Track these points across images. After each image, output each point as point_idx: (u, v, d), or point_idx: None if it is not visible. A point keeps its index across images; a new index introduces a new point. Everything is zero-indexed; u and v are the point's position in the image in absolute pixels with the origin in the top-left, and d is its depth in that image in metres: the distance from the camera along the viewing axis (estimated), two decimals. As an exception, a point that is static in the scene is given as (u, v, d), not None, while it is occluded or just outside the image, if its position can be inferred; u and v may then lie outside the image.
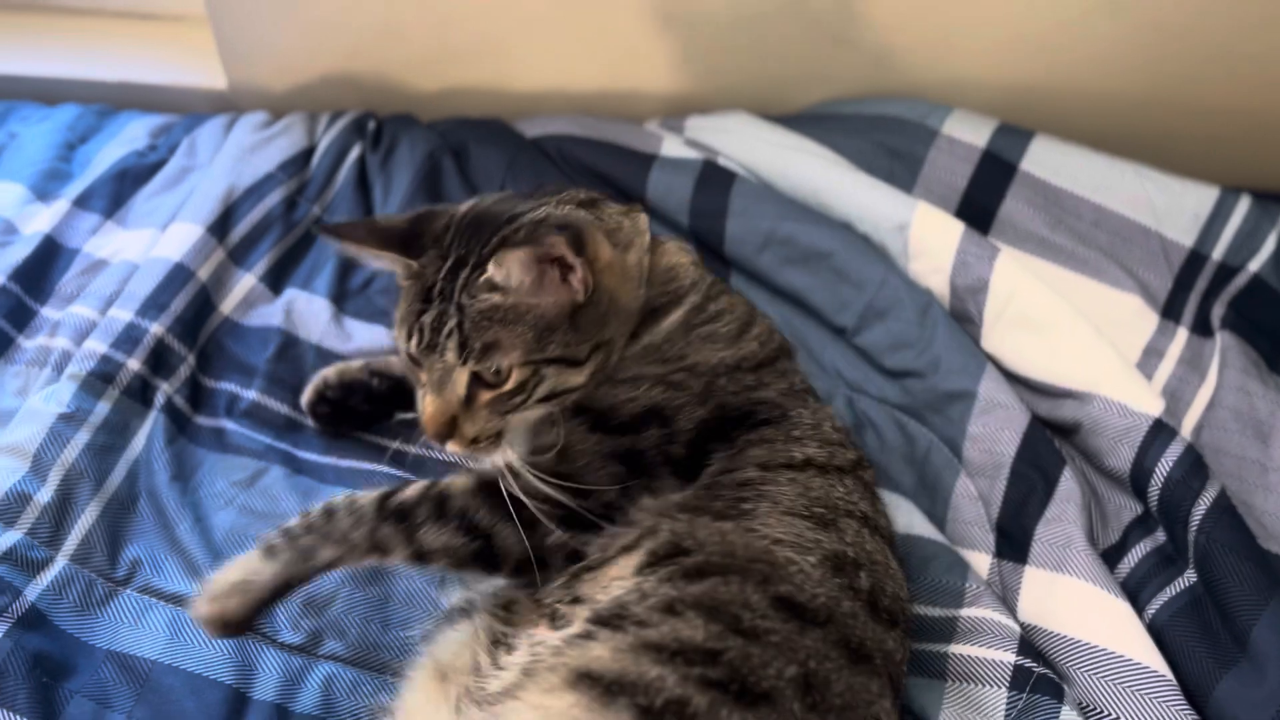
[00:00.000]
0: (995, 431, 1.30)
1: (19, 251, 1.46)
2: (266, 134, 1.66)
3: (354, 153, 1.66)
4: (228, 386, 1.40)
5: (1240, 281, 1.47)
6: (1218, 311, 1.45)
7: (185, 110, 1.79)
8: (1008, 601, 1.20)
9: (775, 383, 1.17)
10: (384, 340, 1.45)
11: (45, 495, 1.21)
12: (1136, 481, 1.24)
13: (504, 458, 1.09)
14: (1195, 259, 1.50)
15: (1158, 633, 1.14)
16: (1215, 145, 1.68)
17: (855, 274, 1.45)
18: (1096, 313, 1.42)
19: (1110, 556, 1.23)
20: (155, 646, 1.14)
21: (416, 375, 1.11)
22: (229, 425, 1.36)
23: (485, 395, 1.07)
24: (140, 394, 1.34)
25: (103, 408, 1.30)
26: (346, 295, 1.50)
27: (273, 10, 1.70)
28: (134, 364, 1.33)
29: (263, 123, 1.70)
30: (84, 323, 1.39)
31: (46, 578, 1.17)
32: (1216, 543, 1.15)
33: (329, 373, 1.37)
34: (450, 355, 1.05)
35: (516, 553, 1.07)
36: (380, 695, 1.12)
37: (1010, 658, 1.10)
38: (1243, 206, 1.50)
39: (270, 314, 1.47)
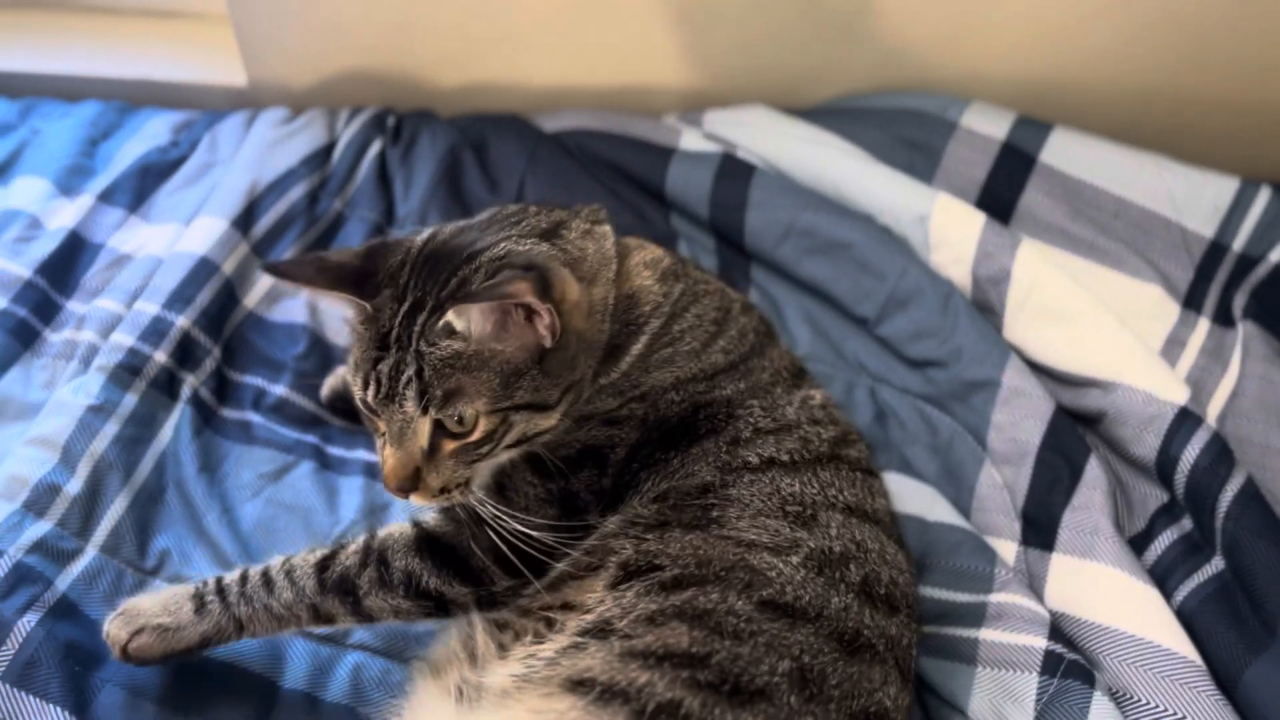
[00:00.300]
0: (1019, 420, 1.30)
1: (45, 246, 1.46)
2: (288, 130, 1.67)
3: (374, 148, 1.67)
4: (254, 381, 1.41)
5: (1261, 272, 1.47)
6: (1239, 301, 1.45)
7: (204, 107, 1.80)
8: (1034, 589, 1.20)
9: (732, 384, 1.12)
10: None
11: (75, 486, 1.21)
12: (1162, 469, 1.24)
13: (467, 498, 1.06)
14: (1216, 250, 1.50)
15: (1186, 619, 1.14)
16: (1233, 139, 1.68)
17: (876, 264, 1.46)
18: (1118, 303, 1.43)
19: (1137, 544, 1.23)
20: (185, 636, 1.14)
21: (374, 424, 1.04)
22: (255, 419, 1.37)
23: (450, 445, 1.01)
24: (167, 386, 1.34)
25: (130, 400, 1.30)
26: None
27: (293, 7, 1.71)
28: (160, 356, 1.34)
29: (283, 119, 1.71)
30: (110, 316, 1.39)
31: (77, 568, 1.17)
32: (1244, 529, 1.15)
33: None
34: (410, 405, 0.98)
35: (467, 603, 1.06)
36: (409, 685, 1.12)
37: (1041, 643, 1.10)
38: (1263, 198, 1.50)
39: (294, 309, 1.47)
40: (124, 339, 1.34)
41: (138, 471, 1.27)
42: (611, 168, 1.64)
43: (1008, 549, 1.25)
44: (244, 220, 1.51)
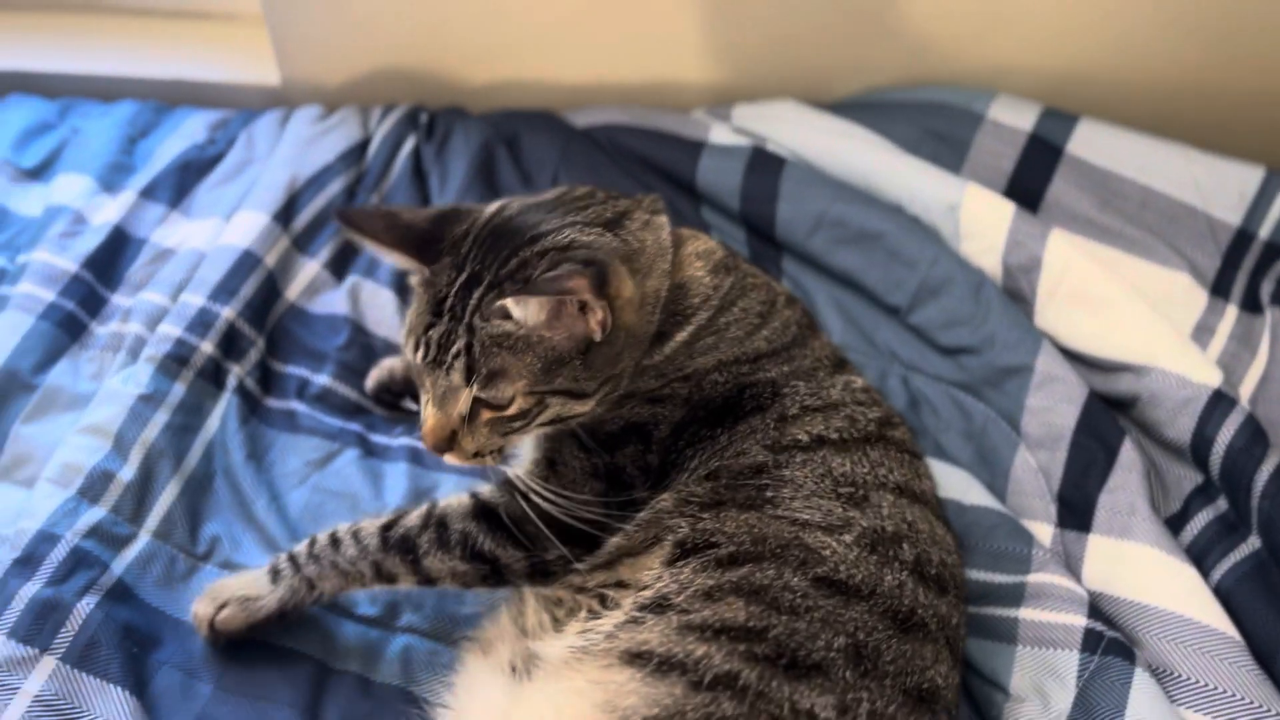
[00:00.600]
0: (1054, 404, 1.32)
1: (90, 241, 1.49)
2: (323, 127, 1.69)
3: (408, 144, 1.69)
4: (297, 371, 1.43)
5: (1288, 259, 1.48)
6: (1267, 288, 1.46)
7: (238, 106, 1.82)
8: (1071, 569, 1.22)
9: (775, 366, 1.15)
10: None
11: (128, 473, 1.24)
12: (1197, 451, 1.25)
13: (510, 472, 1.11)
14: (1243, 238, 1.51)
15: (1224, 597, 1.15)
16: (1259, 130, 1.69)
17: (907, 253, 1.47)
18: (1147, 291, 1.44)
19: (1172, 525, 1.24)
20: (239, 620, 1.16)
21: (421, 382, 1.08)
22: (300, 408, 1.39)
23: (487, 414, 1.05)
24: (213, 376, 1.37)
25: (178, 389, 1.33)
26: (409, 285, 1.52)
27: (327, 7, 1.74)
28: (207, 347, 1.37)
29: (318, 116, 1.74)
30: (155, 309, 1.42)
31: (131, 553, 1.19)
32: (1280, 508, 1.17)
33: (395, 364, 1.40)
34: (456, 376, 1.02)
35: (520, 570, 1.10)
36: (459, 665, 1.14)
37: (1081, 621, 1.12)
38: (1289, 186, 1.52)
39: (335, 301, 1.50)
40: (171, 330, 1.36)
41: (187, 459, 1.29)
42: (642, 161, 1.67)
43: (1044, 531, 1.26)
44: (284, 214, 1.53)
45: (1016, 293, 1.45)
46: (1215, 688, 1.06)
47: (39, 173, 1.62)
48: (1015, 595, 1.18)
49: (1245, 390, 1.39)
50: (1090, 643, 1.10)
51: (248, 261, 1.45)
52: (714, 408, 1.11)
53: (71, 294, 1.42)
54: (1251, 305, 1.47)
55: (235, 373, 1.38)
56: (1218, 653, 1.09)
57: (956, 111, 1.64)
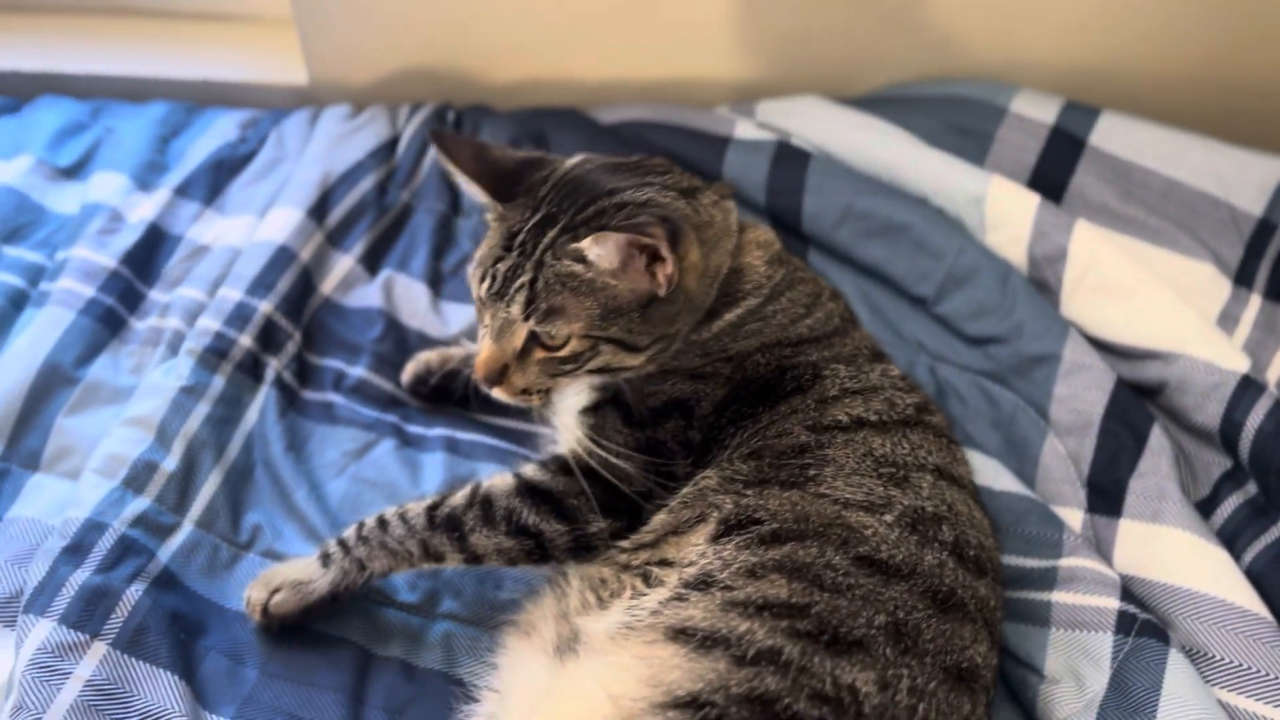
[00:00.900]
0: (1082, 391, 1.33)
1: (127, 238, 1.51)
2: (352, 125, 1.72)
3: (437, 141, 1.71)
4: (333, 363, 1.45)
5: (1311, 248, 1.50)
6: (1290, 278, 1.48)
7: (266, 106, 1.85)
8: (1102, 554, 1.23)
9: (816, 351, 1.18)
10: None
11: (171, 464, 1.26)
12: (1226, 436, 1.26)
13: (575, 433, 1.14)
14: (1265, 227, 1.52)
15: (1255, 579, 1.16)
16: (1278, 121, 1.71)
17: (934, 244, 1.49)
18: (1171, 281, 1.45)
19: (1202, 509, 1.25)
20: (282, 607, 1.18)
21: (481, 317, 1.13)
22: (337, 399, 1.41)
23: (539, 353, 1.10)
24: (252, 369, 1.39)
25: (218, 382, 1.35)
26: (442, 278, 1.56)
27: (356, 8, 1.76)
28: (246, 340, 1.39)
29: (347, 115, 1.76)
30: (193, 304, 1.44)
31: (175, 542, 1.21)
32: (1310, 492, 1.18)
33: (431, 358, 1.42)
34: (515, 308, 1.08)
35: (564, 544, 1.12)
36: (500, 649, 1.15)
37: (1114, 603, 1.13)
38: (1310, 177, 1.53)
39: (369, 295, 1.52)
40: (210, 324, 1.39)
41: (228, 450, 1.31)
42: (668, 157, 1.67)
43: (1074, 517, 1.28)
44: (318, 210, 1.56)
45: (1042, 283, 1.46)
46: (1249, 667, 1.08)
47: (74, 171, 1.65)
48: (1048, 579, 1.19)
49: (1271, 377, 1.40)
50: (1124, 625, 1.12)
51: (284, 256, 1.48)
52: (756, 387, 1.14)
53: (111, 289, 1.45)
54: (1275, 294, 1.48)
55: (273, 366, 1.40)
56: (1251, 633, 1.10)
57: (979, 105, 1.65)
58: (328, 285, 1.51)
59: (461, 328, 1.50)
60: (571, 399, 1.17)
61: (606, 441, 1.12)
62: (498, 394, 1.12)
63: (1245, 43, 1.67)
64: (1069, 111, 1.61)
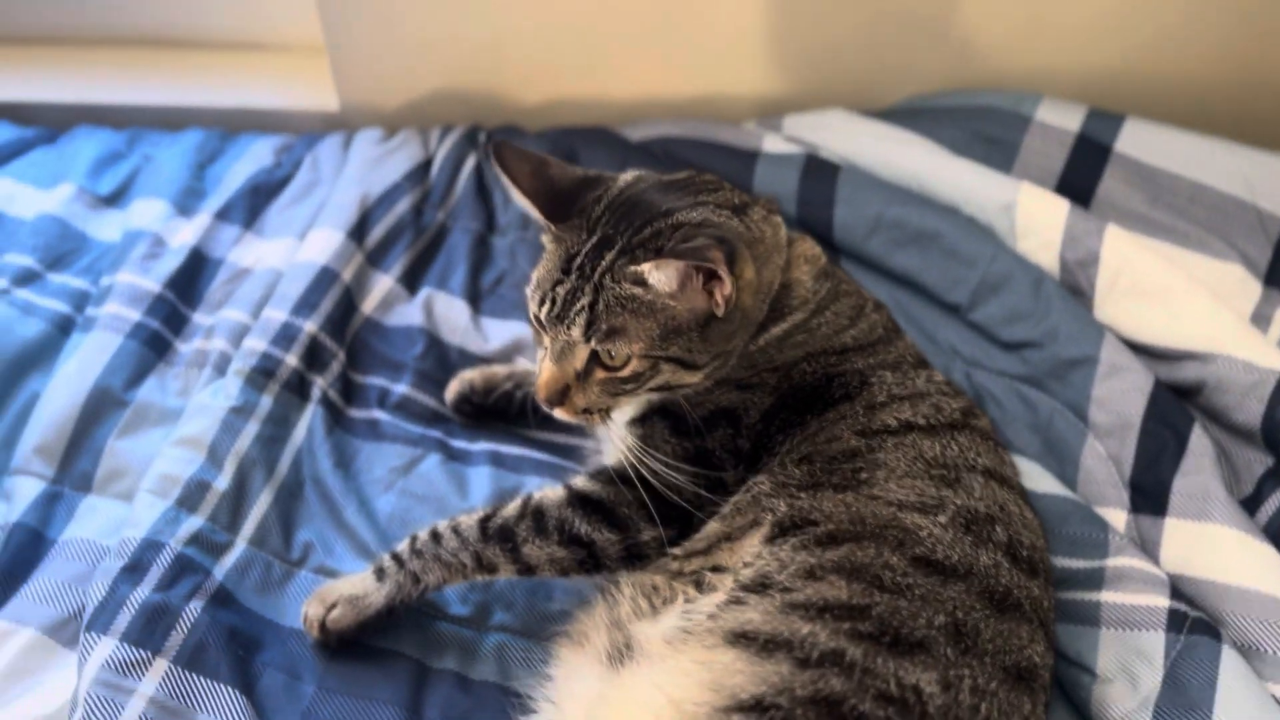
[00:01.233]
0: (1121, 393, 1.34)
1: (170, 262, 1.54)
2: (386, 148, 1.74)
3: (470, 162, 1.74)
4: (377, 381, 1.47)
5: (1338, 250, 1.51)
6: (1320, 278, 1.49)
7: (297, 131, 1.87)
8: (1148, 553, 1.24)
9: (862, 359, 1.20)
10: (519, 334, 1.52)
11: (223, 483, 1.27)
12: (1268, 433, 1.27)
13: (625, 444, 1.15)
14: (1293, 228, 1.54)
15: (1303, 576, 1.17)
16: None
17: (966, 252, 1.51)
18: (1201, 283, 1.46)
19: (1246, 508, 1.25)
20: (337, 623, 1.19)
21: (539, 338, 1.14)
22: (382, 416, 1.43)
23: (600, 374, 1.11)
24: (298, 388, 1.41)
25: (266, 401, 1.37)
26: (481, 295, 1.58)
27: (386, 35, 1.79)
28: (292, 360, 1.41)
29: (379, 138, 1.79)
30: (237, 325, 1.46)
31: (229, 560, 1.23)
32: (1354, 487, 1.18)
33: (474, 377, 1.44)
34: (576, 331, 1.08)
35: (616, 553, 1.13)
36: (554, 659, 1.16)
37: (1164, 602, 1.14)
38: (1336, 177, 1.54)
39: (410, 313, 1.54)
40: (257, 344, 1.41)
41: (278, 468, 1.33)
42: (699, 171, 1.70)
43: (1117, 517, 1.28)
44: (358, 231, 1.58)
45: (1075, 287, 1.48)
46: (1305, 662, 1.08)
47: (115, 199, 1.67)
48: (1095, 579, 1.20)
49: (1304, 377, 1.41)
50: (1175, 623, 1.12)
51: (326, 277, 1.50)
52: (803, 395, 1.15)
53: (156, 313, 1.47)
54: (1305, 295, 1.49)
55: (319, 384, 1.42)
56: (1304, 629, 1.10)
57: (1004, 115, 1.68)
58: (368, 305, 1.54)
59: (503, 343, 1.52)
60: (623, 440, 1.18)
61: (655, 451, 1.13)
62: (559, 414, 1.13)
63: (1265, 44, 1.69)
64: (1093, 118, 1.63)
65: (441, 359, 1.50)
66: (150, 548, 1.18)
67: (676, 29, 1.78)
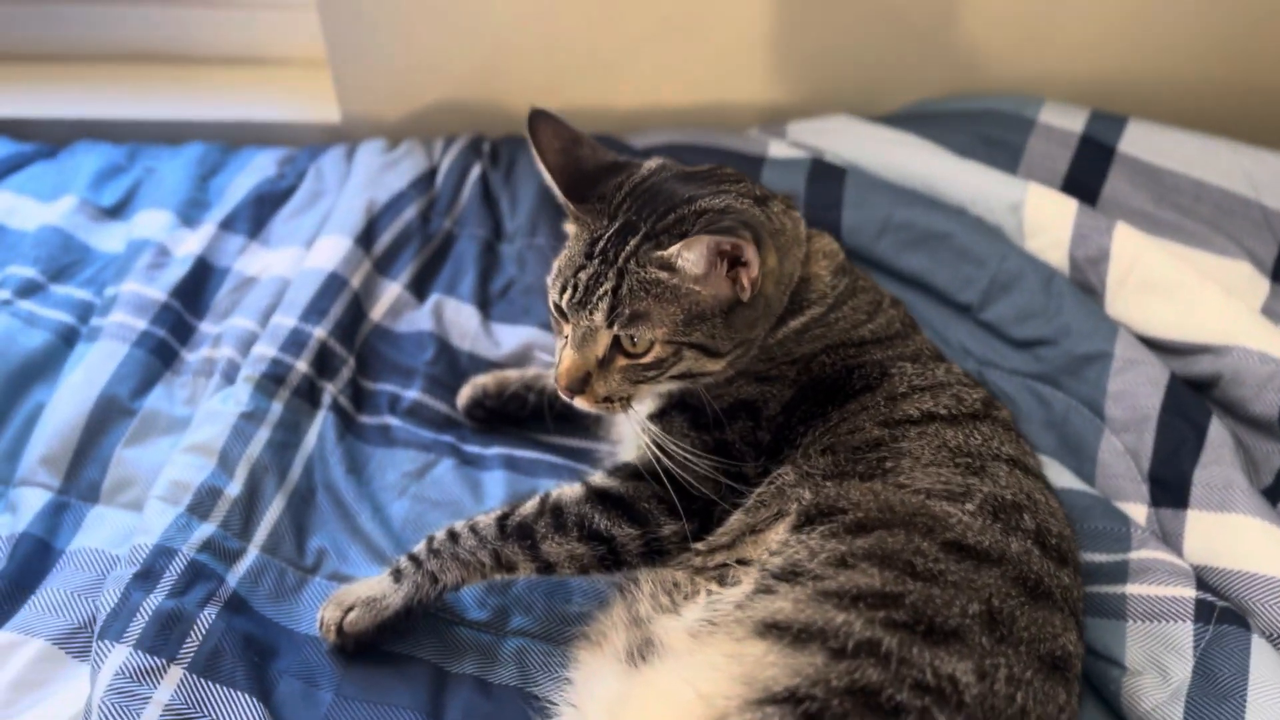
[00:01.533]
0: (1136, 387, 1.34)
1: (175, 272, 1.53)
2: (391, 157, 1.74)
3: (475, 171, 1.74)
4: (387, 387, 1.45)
5: (1343, 245, 1.52)
6: (1325, 274, 1.50)
7: (298, 143, 1.87)
8: (1171, 545, 1.23)
9: (881, 351, 1.20)
10: (529, 339, 1.51)
11: (234, 489, 1.26)
12: (1286, 424, 1.28)
13: (648, 435, 1.13)
14: (1298, 225, 1.55)
15: (1326, 565, 1.16)
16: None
17: (975, 252, 1.51)
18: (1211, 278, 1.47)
19: (1266, 499, 1.25)
20: (353, 629, 1.17)
21: (560, 327, 1.13)
22: (394, 422, 1.41)
23: (622, 361, 1.10)
24: (309, 394, 1.39)
25: (276, 407, 1.35)
26: (490, 300, 1.57)
27: (389, 47, 1.79)
28: (302, 366, 1.39)
29: (383, 149, 1.78)
30: (244, 333, 1.45)
31: (242, 566, 1.20)
32: (1375, 475, 1.18)
33: (487, 382, 1.43)
34: (599, 316, 1.07)
35: (635, 549, 1.12)
36: (573, 662, 1.14)
37: (1190, 593, 1.13)
38: (1337, 175, 1.56)
39: (419, 320, 1.53)
40: (266, 350, 1.39)
41: (290, 475, 1.31)
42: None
43: (1138, 511, 1.28)
44: (365, 238, 1.57)
45: (1085, 285, 1.48)
46: (1334, 650, 1.07)
47: (117, 211, 1.66)
48: (1119, 572, 1.19)
49: (1314, 372, 1.41)
50: (1203, 613, 1.11)
51: (334, 283, 1.49)
52: (823, 387, 1.15)
53: (162, 322, 1.46)
54: (1312, 290, 1.50)
55: (329, 390, 1.40)
56: (1332, 616, 1.10)
57: (1007, 118, 1.69)
58: (377, 312, 1.52)
59: (513, 348, 1.51)
60: (639, 404, 1.18)
61: (675, 444, 1.12)
62: (579, 403, 1.12)
63: (1265, 48, 1.71)
64: (1097, 120, 1.65)
65: (452, 364, 1.48)
66: (162, 554, 1.16)
67: (680, 37, 1.79)
